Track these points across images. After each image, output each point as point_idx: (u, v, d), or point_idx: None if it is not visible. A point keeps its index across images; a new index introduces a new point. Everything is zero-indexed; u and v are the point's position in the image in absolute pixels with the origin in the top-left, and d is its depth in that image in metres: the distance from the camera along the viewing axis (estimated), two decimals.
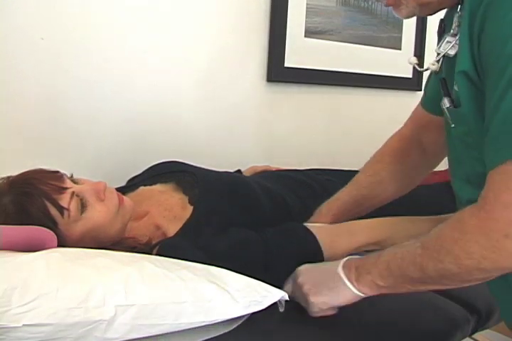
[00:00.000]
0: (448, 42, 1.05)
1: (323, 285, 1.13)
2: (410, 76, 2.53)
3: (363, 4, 2.34)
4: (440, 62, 1.10)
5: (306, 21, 2.15)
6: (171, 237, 1.32)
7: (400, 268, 1.02)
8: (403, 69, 2.48)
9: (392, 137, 1.45)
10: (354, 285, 1.08)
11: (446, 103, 1.04)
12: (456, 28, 1.03)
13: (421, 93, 2.70)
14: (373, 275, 1.06)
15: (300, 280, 1.17)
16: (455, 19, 1.04)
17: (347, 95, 2.37)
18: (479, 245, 0.90)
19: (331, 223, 1.41)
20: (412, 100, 2.62)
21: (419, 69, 1.17)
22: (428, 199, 1.78)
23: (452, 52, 1.03)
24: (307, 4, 2.15)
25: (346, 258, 1.14)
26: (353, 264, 1.11)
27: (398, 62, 2.47)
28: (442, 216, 1.43)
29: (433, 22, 2.41)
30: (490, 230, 0.89)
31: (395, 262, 1.03)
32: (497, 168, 0.89)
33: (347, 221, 1.41)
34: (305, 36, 2.16)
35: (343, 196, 1.45)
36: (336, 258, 1.23)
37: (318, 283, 1.15)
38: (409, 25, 2.49)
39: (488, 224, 0.89)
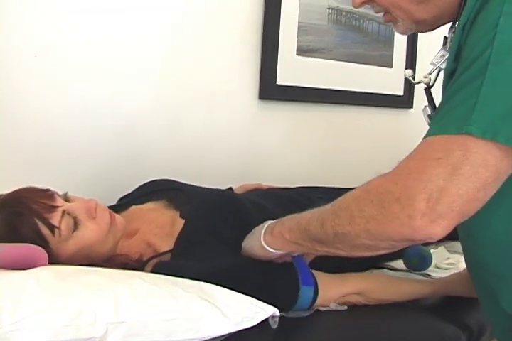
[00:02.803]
0: (442, 55, 1.06)
1: (251, 233, 1.25)
2: (402, 94, 2.53)
3: (354, 23, 2.36)
4: (434, 75, 1.11)
5: (297, 39, 2.16)
6: (166, 254, 1.31)
7: (307, 222, 1.05)
8: (394, 87, 2.49)
9: None
10: (264, 237, 1.16)
11: (427, 110, 1.09)
12: (450, 43, 1.04)
13: (412, 110, 2.71)
14: (284, 227, 1.12)
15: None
16: (449, 34, 1.06)
17: (339, 113, 2.37)
18: (373, 204, 0.92)
19: None
20: (404, 117, 2.65)
21: (412, 81, 1.18)
22: None
23: (444, 66, 1.03)
24: (299, 22, 2.16)
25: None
26: (280, 219, 1.18)
27: (389, 80, 2.48)
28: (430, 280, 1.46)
29: (424, 40, 2.45)
30: (386, 191, 0.90)
31: (306, 216, 1.07)
32: (426, 138, 0.91)
33: None
34: (297, 54, 2.17)
35: None
36: (325, 300, 1.27)
37: (252, 231, 1.25)
38: (400, 43, 2.50)
39: (387, 186, 0.91)
